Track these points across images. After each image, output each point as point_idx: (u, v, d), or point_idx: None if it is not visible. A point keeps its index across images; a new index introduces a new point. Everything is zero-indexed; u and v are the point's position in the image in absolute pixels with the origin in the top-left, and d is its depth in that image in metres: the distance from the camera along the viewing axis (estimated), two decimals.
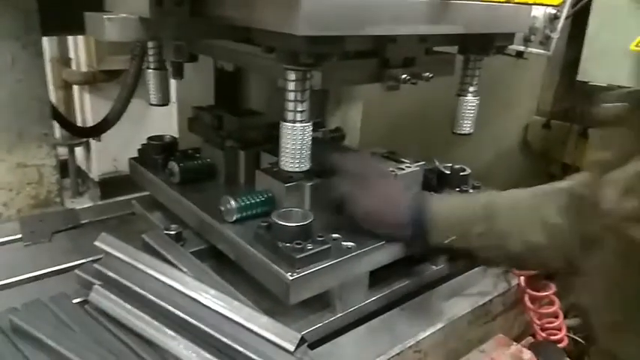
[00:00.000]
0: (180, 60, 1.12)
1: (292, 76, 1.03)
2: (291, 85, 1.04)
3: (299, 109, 1.06)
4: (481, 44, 1.29)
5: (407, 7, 1.01)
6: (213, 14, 1.05)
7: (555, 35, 1.98)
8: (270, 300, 1.17)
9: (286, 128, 1.07)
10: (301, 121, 1.07)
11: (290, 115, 1.07)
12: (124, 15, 1.01)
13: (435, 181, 1.49)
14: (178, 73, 1.27)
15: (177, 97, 1.76)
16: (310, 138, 1.10)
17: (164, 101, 1.37)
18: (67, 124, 2.04)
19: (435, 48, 1.35)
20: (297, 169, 1.11)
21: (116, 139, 2.55)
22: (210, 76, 1.67)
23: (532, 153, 3.11)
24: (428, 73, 1.21)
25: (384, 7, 0.97)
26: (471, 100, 1.37)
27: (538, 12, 1.93)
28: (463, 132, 1.41)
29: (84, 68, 2.95)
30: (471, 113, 1.39)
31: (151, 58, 1.32)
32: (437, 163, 1.54)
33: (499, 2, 1.18)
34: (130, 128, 2.26)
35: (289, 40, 0.91)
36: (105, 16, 0.99)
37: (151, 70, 1.34)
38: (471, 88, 1.37)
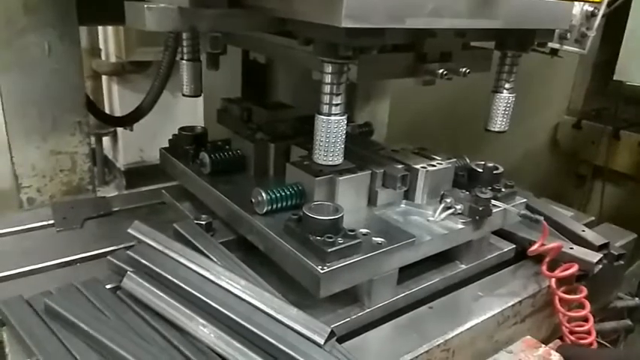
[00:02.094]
0: (216, 51, 1.12)
1: (329, 68, 1.02)
2: (328, 78, 1.03)
3: (335, 102, 1.05)
4: (520, 40, 1.26)
5: (448, 0, 1.00)
6: (252, 5, 1.05)
7: (592, 33, 1.93)
8: (297, 292, 1.17)
9: (321, 121, 1.07)
10: (336, 114, 1.07)
11: (325, 108, 1.06)
12: (164, 5, 1.02)
13: (466, 179, 1.47)
14: (214, 64, 1.28)
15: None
16: (344, 132, 1.10)
17: (197, 92, 1.38)
18: (100, 113, 2.07)
19: (472, 43, 1.33)
20: (330, 163, 1.11)
21: (143, 129, 2.57)
22: (236, 67, 1.67)
23: (561, 153, 3.06)
24: (465, 69, 1.19)
25: (425, 0, 0.96)
26: (506, 97, 1.35)
27: (575, 9, 1.88)
28: (496, 129, 1.39)
29: (113, 59, 2.99)
30: (506, 110, 1.36)
31: (185, 49, 1.33)
32: (468, 161, 1.52)
33: None
34: (156, 119, 2.29)
35: (329, 31, 0.91)
36: (145, 6, 1.00)
37: (185, 61, 1.34)
38: (507, 85, 1.34)
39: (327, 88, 1.04)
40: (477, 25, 1.08)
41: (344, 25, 0.86)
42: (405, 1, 0.93)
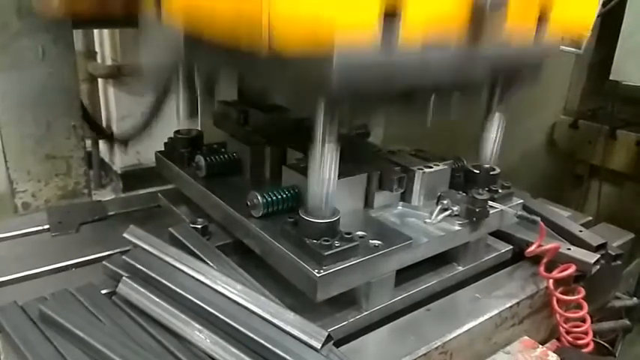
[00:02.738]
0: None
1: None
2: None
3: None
4: (508, 82, 1.31)
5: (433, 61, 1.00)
6: None
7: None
8: (294, 296, 1.17)
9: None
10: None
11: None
12: None
13: (463, 180, 1.47)
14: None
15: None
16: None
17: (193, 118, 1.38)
18: (96, 127, 2.06)
19: None
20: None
21: (139, 122, 2.59)
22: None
23: (558, 153, 3.06)
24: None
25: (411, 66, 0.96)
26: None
27: None
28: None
29: (109, 62, 2.98)
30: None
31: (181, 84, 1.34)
32: (464, 162, 1.52)
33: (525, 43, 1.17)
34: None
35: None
36: None
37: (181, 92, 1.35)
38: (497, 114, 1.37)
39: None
40: (463, 80, 1.11)
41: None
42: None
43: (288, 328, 1.00)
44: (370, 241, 1.18)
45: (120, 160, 2.97)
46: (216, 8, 0.88)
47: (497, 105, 1.38)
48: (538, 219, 1.38)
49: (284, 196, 1.27)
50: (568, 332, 1.43)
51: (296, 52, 0.78)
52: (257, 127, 1.54)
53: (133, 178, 2.98)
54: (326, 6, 0.78)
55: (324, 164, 1.06)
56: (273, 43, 0.76)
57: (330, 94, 0.86)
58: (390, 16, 0.88)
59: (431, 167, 1.41)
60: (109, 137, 2.35)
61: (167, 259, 1.15)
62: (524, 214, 1.42)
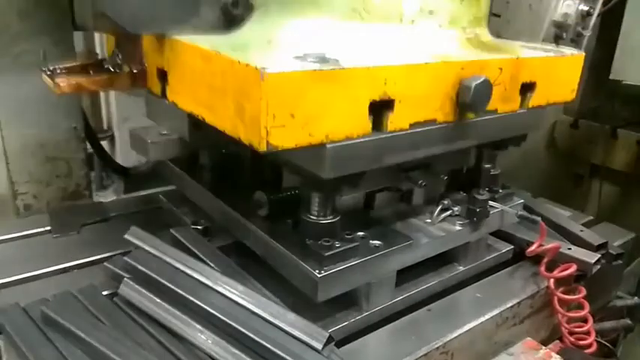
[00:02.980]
0: None
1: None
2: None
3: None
4: (494, 146, 1.37)
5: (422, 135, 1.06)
6: None
7: (587, 33, 1.93)
8: (295, 296, 1.17)
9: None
10: None
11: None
12: (165, 139, 1.15)
13: (464, 181, 1.47)
14: None
15: None
16: None
17: None
18: (107, 158, 2.07)
19: None
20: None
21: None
22: None
23: (558, 153, 3.05)
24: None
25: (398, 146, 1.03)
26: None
27: (570, 9, 1.88)
28: None
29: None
30: None
31: None
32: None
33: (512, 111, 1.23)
34: (154, 123, 2.29)
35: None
36: (149, 140, 1.16)
37: None
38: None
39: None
40: (452, 149, 1.15)
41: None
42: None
43: (289, 329, 1.00)
44: (371, 241, 1.18)
45: (121, 162, 2.98)
46: (218, 109, 0.94)
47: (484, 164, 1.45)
48: (539, 219, 1.38)
49: (289, 196, 1.27)
50: (571, 333, 1.43)
51: (292, 149, 0.87)
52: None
53: (135, 179, 2.98)
54: (319, 120, 0.88)
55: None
56: (271, 143, 0.84)
57: (323, 178, 0.96)
58: (380, 111, 0.97)
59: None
60: (112, 164, 2.33)
61: (168, 260, 1.15)
62: (525, 213, 1.43)
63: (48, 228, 1.51)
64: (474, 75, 1.06)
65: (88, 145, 2.03)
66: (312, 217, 1.13)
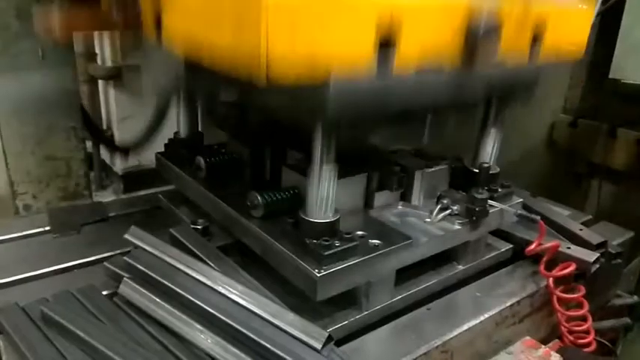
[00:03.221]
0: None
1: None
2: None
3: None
4: (501, 103, 1.33)
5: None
6: None
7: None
8: (295, 296, 1.17)
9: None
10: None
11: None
12: None
13: (463, 180, 1.47)
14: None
15: None
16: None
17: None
18: (98, 133, 2.06)
19: None
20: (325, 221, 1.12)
21: (140, 133, 2.59)
22: None
23: (558, 151, 3.05)
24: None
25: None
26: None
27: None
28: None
29: (109, 63, 2.99)
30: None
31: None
32: (464, 162, 1.52)
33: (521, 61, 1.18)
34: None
35: None
36: None
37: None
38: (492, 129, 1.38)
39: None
40: (459, 98, 1.12)
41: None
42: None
43: (288, 329, 1.00)
44: (370, 240, 1.18)
45: (120, 162, 2.97)
46: (215, 40, 0.90)
47: (493, 122, 1.41)
48: (538, 218, 1.38)
49: (284, 196, 1.27)
50: (570, 332, 1.43)
51: (293, 82, 0.81)
52: (257, 127, 1.54)
53: (134, 179, 2.98)
54: (322, 43, 0.81)
55: (322, 185, 1.10)
56: (271, 74, 0.78)
57: (326, 120, 0.90)
58: (385, 47, 0.91)
59: (430, 167, 1.41)
60: (111, 144, 2.34)
61: (168, 259, 1.15)
62: (524, 212, 1.42)
63: (47, 228, 1.51)
64: (482, 16, 1.01)
65: (88, 145, 2.03)
66: (308, 217, 1.13)
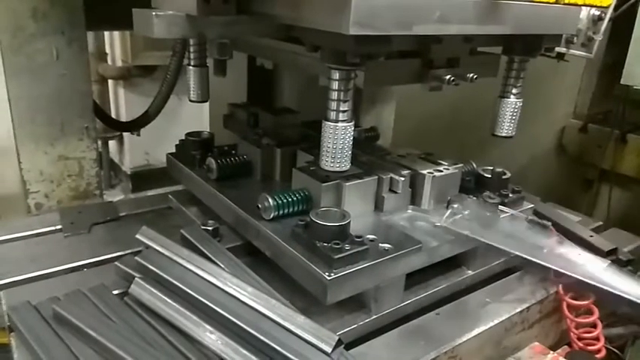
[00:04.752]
0: (224, 58, 1.12)
1: (337, 75, 1.02)
2: (335, 85, 1.03)
3: (342, 108, 1.06)
4: (528, 45, 1.26)
5: (455, 6, 0.99)
6: (259, 12, 1.05)
7: (598, 37, 1.92)
8: (304, 299, 1.17)
9: (328, 127, 1.07)
10: (343, 121, 1.07)
11: (332, 115, 1.06)
12: (172, 12, 1.02)
13: (474, 184, 1.46)
14: (221, 71, 1.28)
15: None
16: (351, 138, 1.10)
17: (204, 98, 1.38)
18: (108, 118, 2.08)
19: (479, 48, 1.32)
20: (337, 169, 1.11)
21: (149, 133, 2.60)
22: (242, 73, 1.68)
23: (568, 157, 3.04)
24: (472, 74, 1.19)
25: (432, 7, 0.96)
26: (513, 102, 1.35)
27: (582, 13, 1.88)
28: (503, 134, 1.38)
29: (119, 63, 3.01)
30: (513, 116, 1.36)
31: (192, 55, 1.34)
32: (474, 166, 1.51)
33: (548, 2, 1.15)
34: (162, 123, 2.30)
35: (337, 39, 0.91)
36: (153, 13, 1.00)
37: (192, 67, 1.35)
38: (515, 90, 1.34)
39: (334, 95, 1.05)
40: (484, 32, 1.08)
41: (352, 33, 0.86)
42: (413, 7, 0.93)
43: (298, 332, 1.00)
44: (380, 244, 1.18)
45: (129, 161, 3.00)
46: None
47: (514, 84, 1.35)
48: (549, 224, 1.38)
49: (294, 199, 1.28)
50: (580, 338, 1.42)
51: None
52: (267, 129, 1.55)
53: (142, 178, 3.00)
54: None
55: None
56: None
57: (347, 36, 0.87)
58: None
59: (441, 171, 1.41)
60: (123, 128, 2.35)
61: (179, 260, 1.15)
62: (535, 218, 1.42)
63: (59, 227, 1.52)
64: None
65: (98, 144, 2.04)
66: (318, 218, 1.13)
